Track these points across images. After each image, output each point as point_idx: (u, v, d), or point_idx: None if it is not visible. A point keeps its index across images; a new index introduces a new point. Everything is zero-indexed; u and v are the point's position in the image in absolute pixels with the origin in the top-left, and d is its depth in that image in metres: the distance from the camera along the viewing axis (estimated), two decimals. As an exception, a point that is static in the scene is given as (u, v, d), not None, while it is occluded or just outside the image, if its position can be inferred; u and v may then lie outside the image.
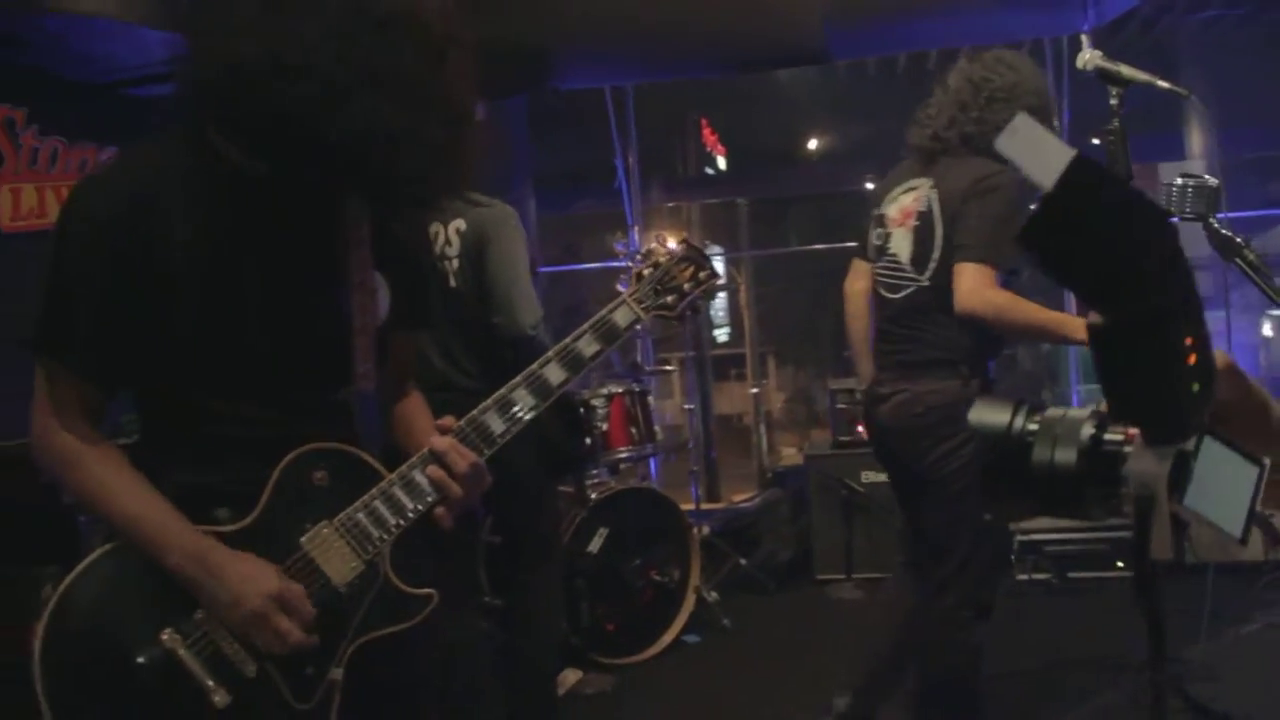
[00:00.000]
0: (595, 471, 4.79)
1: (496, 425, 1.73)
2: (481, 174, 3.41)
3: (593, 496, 4.53)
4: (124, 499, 1.58)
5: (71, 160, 4.60)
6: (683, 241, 1.98)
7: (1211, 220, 2.43)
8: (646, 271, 1.93)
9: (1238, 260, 2.41)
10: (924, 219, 3.06)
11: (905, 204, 3.16)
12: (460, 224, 3.28)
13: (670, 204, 12.19)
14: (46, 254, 1.57)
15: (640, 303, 1.89)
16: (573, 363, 1.80)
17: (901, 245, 3.12)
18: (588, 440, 4.61)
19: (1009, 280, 2.93)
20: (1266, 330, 10.27)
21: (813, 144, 13.39)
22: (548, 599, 3.60)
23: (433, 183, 1.63)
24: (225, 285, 1.61)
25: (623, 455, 4.86)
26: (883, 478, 5.38)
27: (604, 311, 1.86)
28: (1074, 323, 2.82)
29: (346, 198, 1.70)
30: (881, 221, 3.25)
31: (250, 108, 1.44)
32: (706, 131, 13.91)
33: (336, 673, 1.62)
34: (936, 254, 3.00)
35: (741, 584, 5.48)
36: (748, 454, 12.44)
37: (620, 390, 4.83)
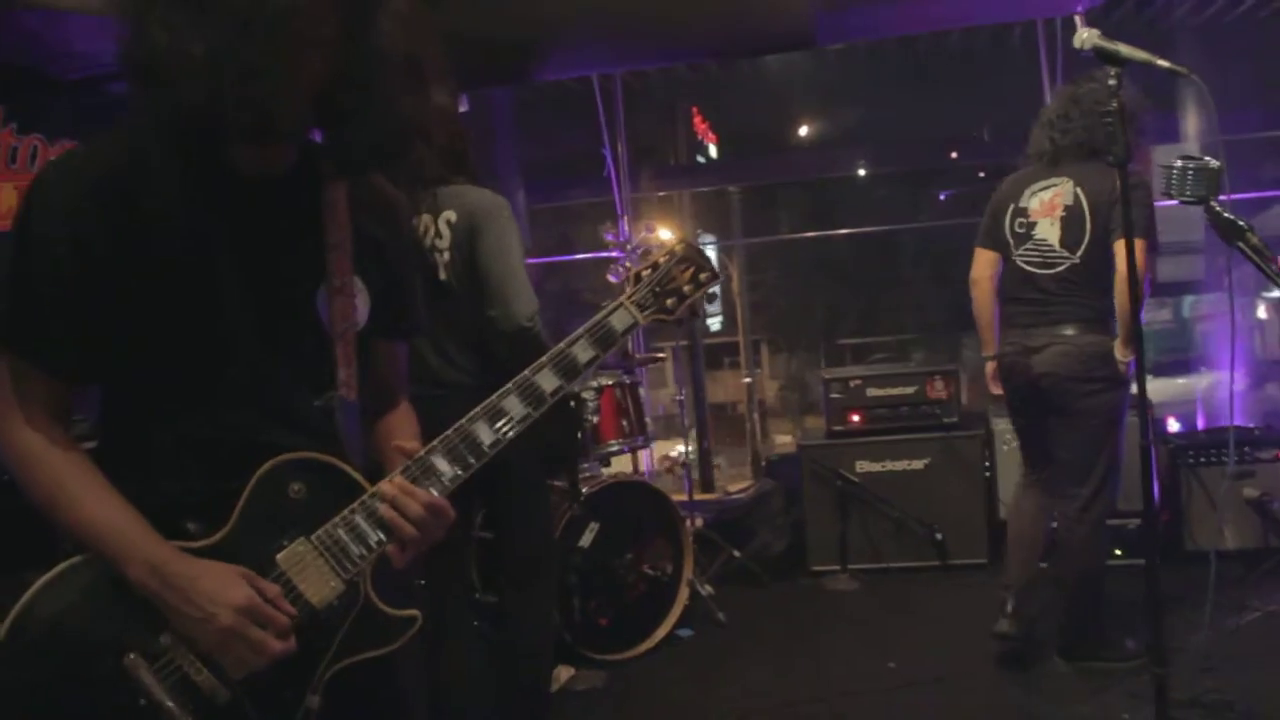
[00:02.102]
0: (586, 465, 4.74)
1: (485, 436, 1.65)
2: (470, 164, 3.39)
3: (584, 490, 4.48)
4: (85, 504, 1.49)
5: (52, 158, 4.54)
6: (682, 241, 1.90)
7: (1213, 203, 2.39)
8: (645, 273, 1.85)
9: (1240, 244, 2.37)
10: (1070, 210, 3.87)
11: (1046, 199, 3.95)
12: (450, 215, 3.22)
13: (661, 193, 12.13)
14: (8, 243, 1.50)
15: (639, 306, 1.81)
16: (567, 369, 1.72)
17: (1050, 231, 3.93)
18: (580, 435, 4.57)
19: None
20: (1261, 313, 10.22)
21: (803, 130, 13.33)
22: (541, 597, 3.55)
23: (385, 146, 1.59)
24: (197, 280, 1.54)
25: (614, 448, 4.81)
26: (877, 467, 5.42)
27: (600, 315, 1.78)
28: None
29: (323, 195, 1.64)
30: (1023, 213, 4.00)
31: (177, 93, 1.41)
32: (697, 120, 13.86)
33: (313, 700, 1.54)
34: (1086, 238, 3.82)
35: (736, 576, 5.45)
36: (742, 442, 12.42)
37: (611, 382, 4.78)
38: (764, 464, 6.54)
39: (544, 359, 1.71)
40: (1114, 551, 5.03)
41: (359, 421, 1.68)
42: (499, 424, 1.66)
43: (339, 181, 1.67)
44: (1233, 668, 3.84)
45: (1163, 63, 2.64)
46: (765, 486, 6.06)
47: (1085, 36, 2.71)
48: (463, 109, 5.76)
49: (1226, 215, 2.34)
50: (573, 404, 4.72)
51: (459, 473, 1.64)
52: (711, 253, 15.99)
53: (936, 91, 9.73)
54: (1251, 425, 5.81)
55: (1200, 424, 7.42)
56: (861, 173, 12.56)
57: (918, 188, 14.02)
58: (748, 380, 11.47)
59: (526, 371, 1.69)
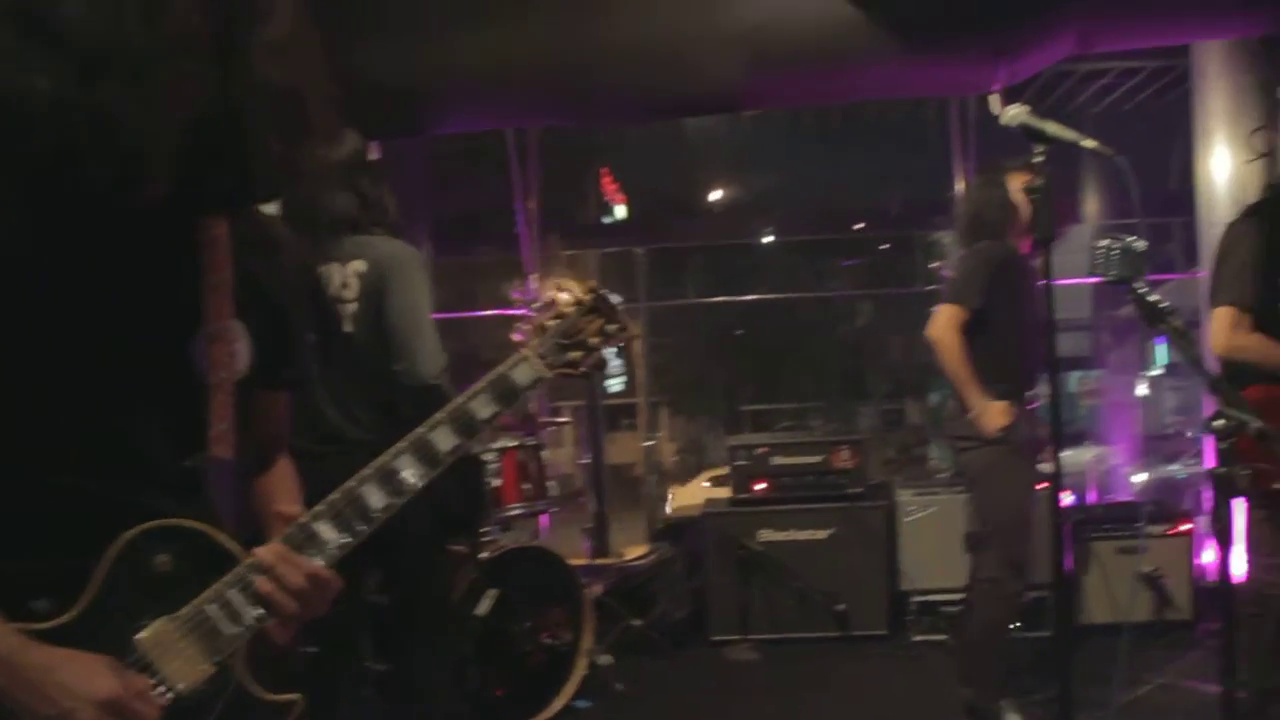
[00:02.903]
0: (486, 529, 4.60)
1: (375, 499, 1.50)
2: (388, 214, 3.29)
3: (482, 556, 4.34)
4: None
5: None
6: (590, 290, 1.78)
7: (1136, 285, 2.39)
8: (550, 323, 1.72)
9: (1162, 326, 2.37)
10: None
11: None
12: (359, 265, 3.12)
13: (569, 252, 12.10)
14: None
15: (544, 359, 1.69)
16: (466, 426, 1.59)
17: None
18: (483, 499, 4.45)
19: None
20: (1142, 390, 10.49)
21: (714, 195, 13.45)
22: (436, 666, 3.42)
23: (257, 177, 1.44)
24: (50, 320, 1.36)
25: (515, 512, 4.70)
26: (781, 536, 5.37)
27: (502, 368, 1.64)
28: None
29: (200, 230, 1.48)
30: None
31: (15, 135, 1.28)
32: (606, 180, 13.91)
33: None
34: None
35: (635, 645, 5.32)
36: (637, 505, 12.33)
37: (513, 444, 4.67)
38: (660, 528, 6.45)
39: (440, 415, 1.56)
40: (1013, 625, 5.05)
41: (235, 482, 1.52)
42: (391, 486, 1.52)
43: (219, 217, 1.51)
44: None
45: (1089, 142, 2.65)
46: (666, 553, 5.97)
47: (1014, 113, 2.71)
48: (373, 157, 5.65)
49: (1150, 298, 2.34)
50: (475, 465, 4.60)
51: (346, 540, 1.48)
52: (616, 313, 16.02)
53: (848, 161, 9.90)
54: (1141, 501, 5.93)
55: (1091, 498, 7.55)
56: (768, 239, 12.69)
57: (823, 256, 14.22)
58: (648, 443, 11.38)
59: (422, 428, 1.55)
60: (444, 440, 1.56)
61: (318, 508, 1.49)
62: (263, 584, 1.41)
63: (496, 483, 4.58)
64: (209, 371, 1.48)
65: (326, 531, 1.48)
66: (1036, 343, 3.93)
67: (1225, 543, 2.41)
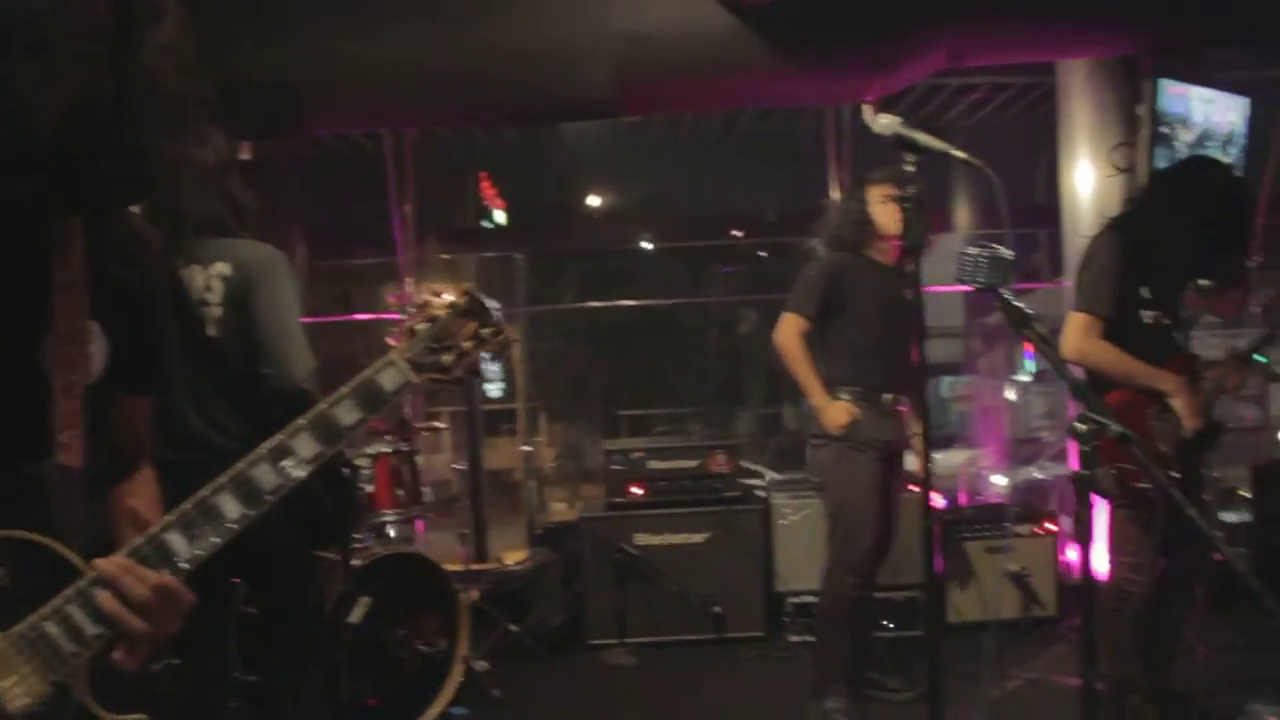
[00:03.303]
0: (359, 536, 4.52)
1: (230, 509, 1.44)
2: (251, 216, 3.21)
3: (355, 563, 4.26)
4: None
5: None
6: (465, 293, 1.72)
7: (1004, 292, 2.45)
8: (420, 326, 1.65)
9: (1027, 332, 2.44)
10: None
11: None
12: (223, 268, 3.02)
13: (447, 256, 11.99)
14: None
15: (413, 364, 1.63)
16: (329, 434, 1.52)
17: None
18: (354, 505, 4.36)
19: None
20: (1011, 395, 10.82)
21: (593, 201, 13.46)
22: (307, 677, 3.34)
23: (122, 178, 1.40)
24: None
25: (388, 519, 4.63)
26: (657, 540, 5.38)
27: (368, 372, 1.58)
28: None
29: (52, 229, 1.42)
30: None
31: None
32: (485, 185, 13.80)
33: None
34: None
35: (512, 651, 5.27)
36: (517, 510, 12.25)
37: (387, 450, 4.60)
38: (540, 533, 6.42)
39: (301, 421, 1.50)
40: (885, 624, 5.16)
41: (83, 492, 1.43)
42: (247, 496, 1.45)
43: (73, 216, 1.45)
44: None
45: (959, 153, 2.70)
46: (543, 558, 5.94)
47: (886, 122, 2.76)
48: (244, 157, 5.52)
49: (1016, 304, 2.40)
50: (346, 471, 4.51)
51: (198, 552, 1.41)
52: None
53: (726, 170, 9.98)
54: (1008, 503, 6.11)
55: (962, 500, 7.74)
56: (647, 246, 12.74)
57: (701, 263, 14.33)
58: (526, 448, 11.31)
59: (281, 435, 1.49)
60: (305, 447, 1.50)
61: (167, 518, 1.42)
62: (105, 599, 1.34)
63: (369, 489, 4.50)
64: (55, 374, 1.41)
65: (177, 543, 1.41)
66: (904, 348, 4.10)
67: (1086, 542, 2.48)
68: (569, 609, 5.55)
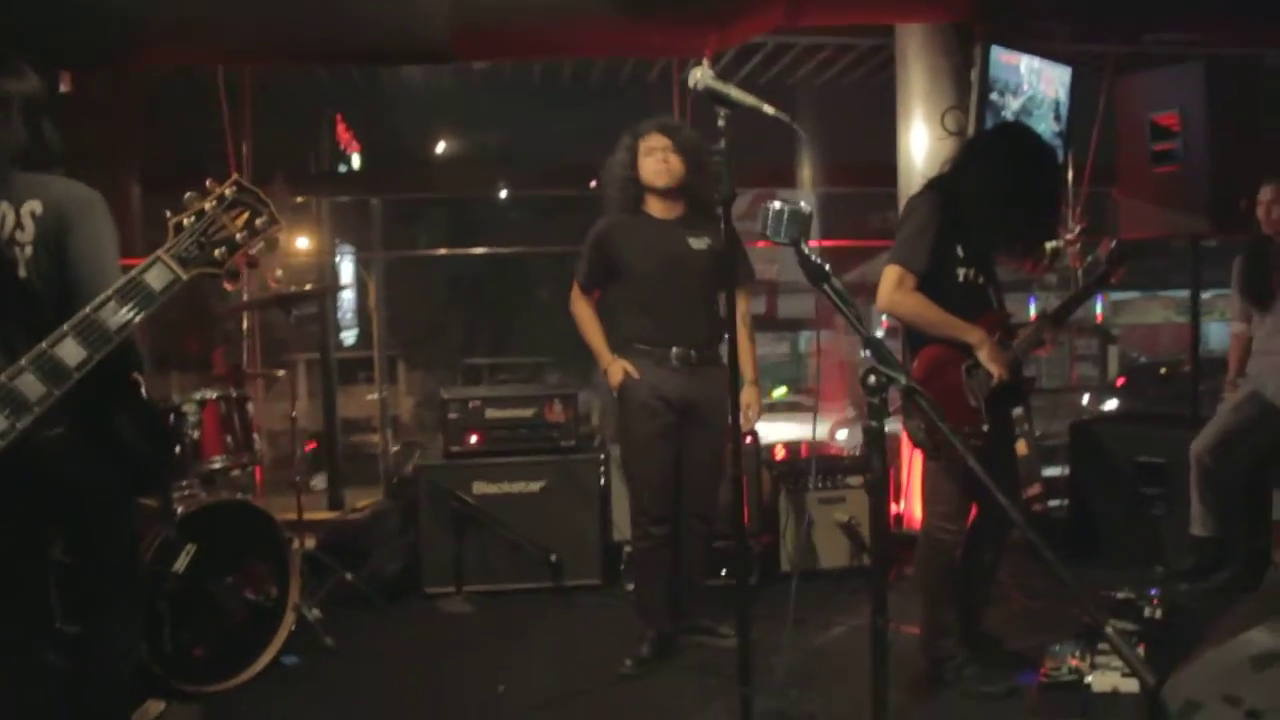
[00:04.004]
0: (185, 484, 4.43)
1: None
2: (58, 152, 3.09)
3: (179, 510, 4.18)
4: None
5: None
6: (233, 182, 1.69)
7: (802, 245, 2.52)
8: (187, 221, 1.63)
9: (825, 286, 2.51)
10: None
11: None
12: (35, 206, 2.91)
13: (299, 199, 11.71)
14: None
15: (180, 260, 1.59)
16: (95, 337, 1.50)
17: None
18: (176, 451, 4.28)
19: None
20: (864, 353, 11.16)
21: (440, 147, 13.30)
22: (123, 625, 3.28)
23: None
24: None
25: (216, 466, 4.55)
26: (494, 489, 5.40)
27: (134, 272, 1.56)
28: None
29: None
30: None
31: None
32: (341, 129, 13.52)
33: None
34: None
35: (349, 600, 5.25)
36: (373, 460, 12.13)
37: (215, 395, 4.52)
38: (395, 482, 6.38)
39: (65, 326, 1.49)
40: (720, 571, 5.30)
41: None
42: (15, 407, 1.44)
43: None
44: (819, 681, 4.11)
45: (769, 109, 2.77)
46: (381, 507, 5.91)
47: (699, 76, 2.81)
48: (63, 89, 5.30)
49: (813, 259, 2.47)
50: (173, 417, 4.42)
51: None
52: (349, 264, 15.63)
53: (578, 120, 9.96)
54: (845, 455, 6.30)
55: (803, 452, 7.94)
56: (502, 194, 12.66)
57: (554, 213, 14.31)
58: (375, 397, 11.21)
59: (44, 344, 1.47)
60: (70, 354, 1.48)
61: None
62: None
63: (195, 435, 4.42)
64: None
65: None
66: (695, 301, 4.35)
67: (881, 493, 2.59)
68: (407, 558, 5.53)
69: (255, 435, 4.78)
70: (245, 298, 5.92)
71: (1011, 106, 5.52)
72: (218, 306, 7.40)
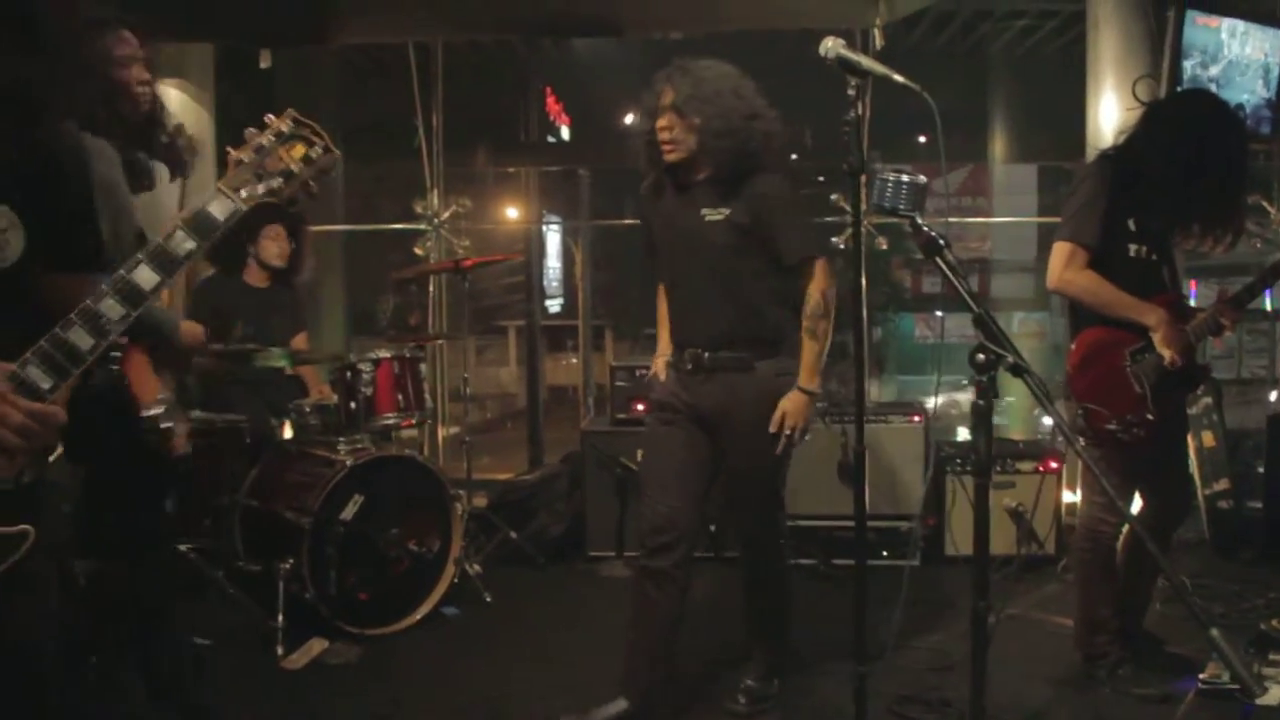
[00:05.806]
0: (359, 437, 4.66)
1: (83, 342, 1.58)
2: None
3: (349, 462, 4.41)
4: None
5: None
6: (291, 119, 1.80)
7: (917, 218, 2.46)
8: (246, 157, 1.76)
9: (938, 260, 2.45)
10: None
11: None
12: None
13: (505, 169, 12.06)
14: None
15: (238, 190, 1.72)
16: (166, 262, 1.63)
17: None
18: (354, 405, 4.53)
19: None
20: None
21: (629, 119, 13.38)
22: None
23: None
24: None
25: (389, 421, 4.77)
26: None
27: (196, 204, 1.70)
28: None
29: None
30: None
31: None
32: (551, 100, 13.78)
33: None
34: None
35: (512, 558, 5.43)
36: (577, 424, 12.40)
37: (389, 355, 4.73)
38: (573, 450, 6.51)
39: (140, 253, 1.64)
40: (881, 553, 5.23)
41: None
42: (97, 328, 1.59)
43: None
44: (963, 668, 3.99)
45: (899, 78, 2.70)
46: (551, 470, 6.06)
47: (830, 45, 2.76)
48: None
49: (928, 230, 2.41)
50: (349, 375, 4.65)
51: (57, 381, 1.59)
52: (556, 234, 15.97)
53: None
54: (1018, 440, 6.07)
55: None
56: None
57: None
58: (573, 362, 11.48)
59: (121, 270, 1.62)
60: (145, 278, 1.63)
61: (26, 355, 1.58)
62: None
63: (369, 392, 4.65)
64: None
65: (36, 376, 1.58)
66: (709, 294, 3.53)
67: (984, 474, 2.50)
68: (570, 521, 5.66)
69: (426, 394, 4.95)
70: (432, 261, 6.10)
71: (1211, 72, 5.15)
72: (396, 272, 7.65)
